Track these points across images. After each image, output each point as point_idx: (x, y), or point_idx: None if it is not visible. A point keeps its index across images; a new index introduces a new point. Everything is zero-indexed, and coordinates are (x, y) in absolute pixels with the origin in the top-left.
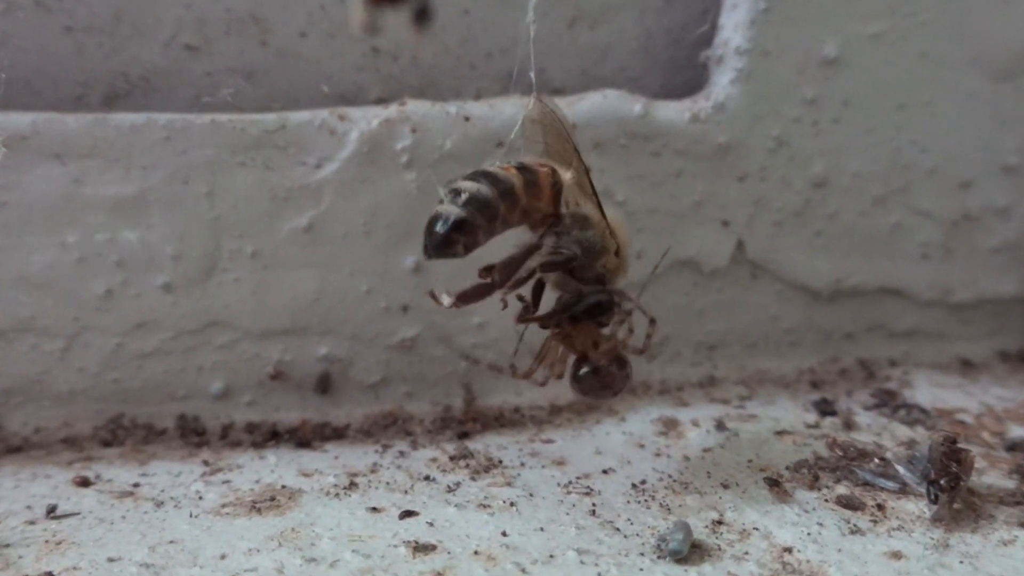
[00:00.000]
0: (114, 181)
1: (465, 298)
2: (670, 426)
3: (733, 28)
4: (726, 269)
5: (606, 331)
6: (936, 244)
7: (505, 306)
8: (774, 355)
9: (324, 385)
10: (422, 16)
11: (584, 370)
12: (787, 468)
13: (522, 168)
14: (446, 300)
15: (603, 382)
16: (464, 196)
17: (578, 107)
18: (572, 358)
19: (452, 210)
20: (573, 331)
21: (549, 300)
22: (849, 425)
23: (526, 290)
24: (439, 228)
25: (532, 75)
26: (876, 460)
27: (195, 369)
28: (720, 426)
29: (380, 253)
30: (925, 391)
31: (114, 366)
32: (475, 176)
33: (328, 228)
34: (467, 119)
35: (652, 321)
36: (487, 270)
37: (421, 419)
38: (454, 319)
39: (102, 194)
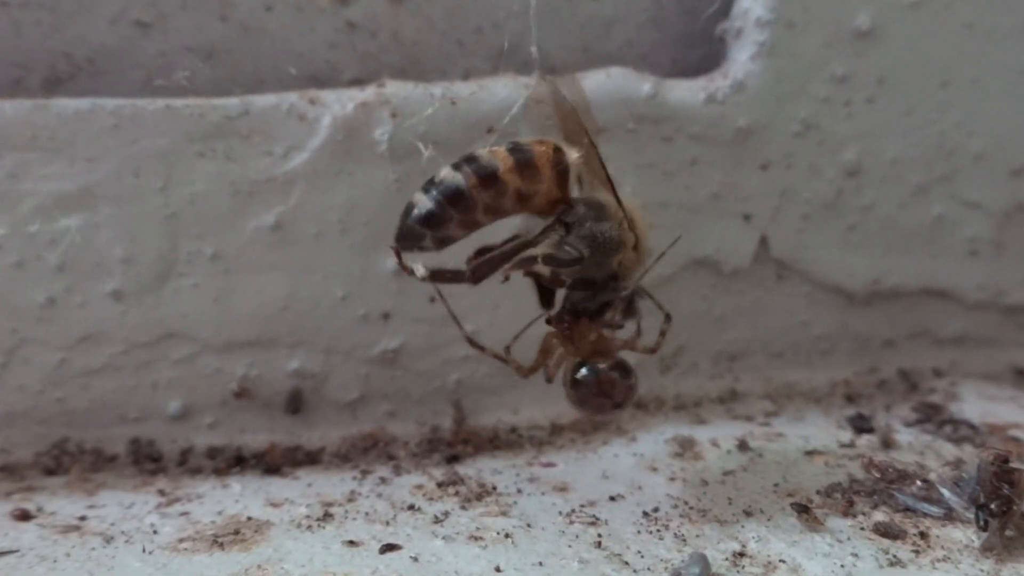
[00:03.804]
0: (56, 175)
1: (438, 277)
2: (686, 446)
3: None
4: (748, 269)
5: (612, 333)
6: (985, 239)
7: (506, 279)
8: (803, 366)
9: (295, 404)
10: None
11: (581, 375)
12: (818, 492)
13: (514, 148)
14: (420, 271)
15: (602, 390)
16: (438, 186)
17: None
18: (569, 362)
19: (422, 201)
20: (574, 329)
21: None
22: (888, 443)
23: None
24: (406, 219)
25: (534, 49)
26: (918, 483)
27: (149, 387)
28: (742, 446)
29: (357, 254)
30: (974, 404)
31: (58, 384)
32: (458, 163)
33: (298, 226)
34: (454, 102)
35: (667, 317)
36: (478, 254)
37: (405, 441)
38: (442, 327)
39: (42, 189)
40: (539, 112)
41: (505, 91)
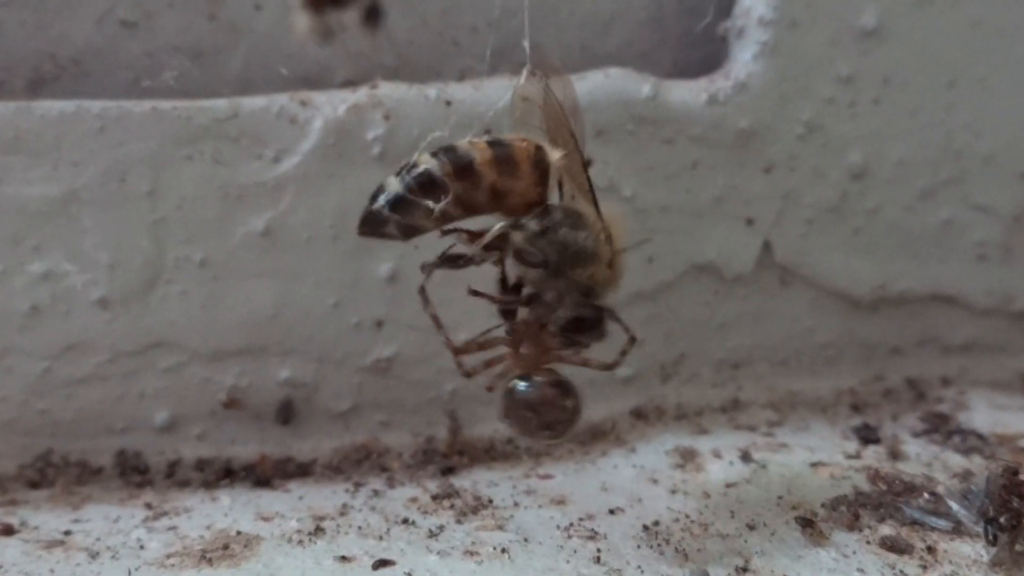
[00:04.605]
0: (40, 179)
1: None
2: (688, 458)
3: None
4: (751, 275)
5: (568, 350)
6: (994, 243)
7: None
8: (808, 374)
9: (286, 414)
10: (372, 15)
11: (513, 384)
12: (823, 506)
13: (494, 142)
14: (464, 238)
15: (532, 406)
16: (411, 171)
17: (577, 88)
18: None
19: (392, 184)
20: (530, 336)
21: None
22: (895, 454)
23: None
24: (373, 203)
25: (526, 44)
26: (926, 495)
27: (136, 397)
28: (745, 457)
29: (350, 260)
30: (983, 414)
31: (42, 394)
32: (435, 151)
33: (289, 232)
34: (449, 103)
35: (632, 339)
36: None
37: (399, 452)
38: (437, 335)
39: (26, 194)
40: (525, 109)
41: (501, 92)
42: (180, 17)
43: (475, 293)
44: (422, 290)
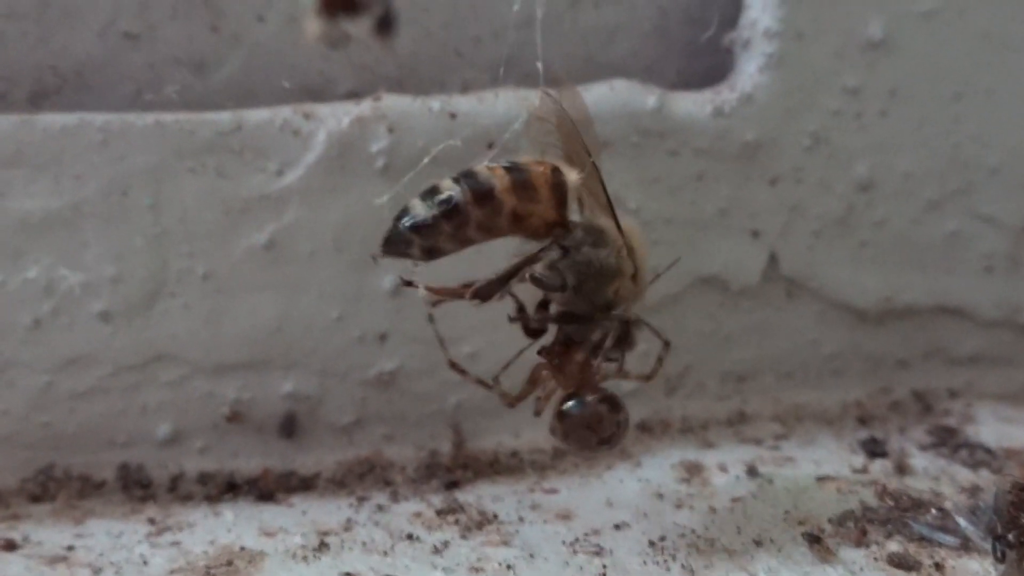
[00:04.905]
0: (42, 193)
1: (440, 293)
2: (693, 472)
3: (761, 7)
4: (757, 287)
5: (604, 364)
6: (1002, 254)
7: (501, 297)
8: (814, 386)
9: (289, 427)
10: (384, 25)
11: (567, 407)
12: (830, 521)
13: (512, 168)
14: (422, 292)
15: (588, 424)
16: (435, 197)
17: None
18: (558, 394)
19: (417, 208)
20: (564, 359)
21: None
22: (902, 469)
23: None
24: (397, 225)
25: (539, 65)
26: (934, 511)
27: (138, 410)
28: (752, 471)
29: (353, 273)
30: (990, 427)
31: (44, 408)
32: (457, 177)
33: (292, 245)
34: (453, 116)
35: (666, 345)
36: (466, 286)
37: (402, 466)
38: (440, 348)
39: (28, 208)
40: (541, 129)
41: (505, 105)
42: (182, 28)
43: (513, 319)
44: (450, 365)
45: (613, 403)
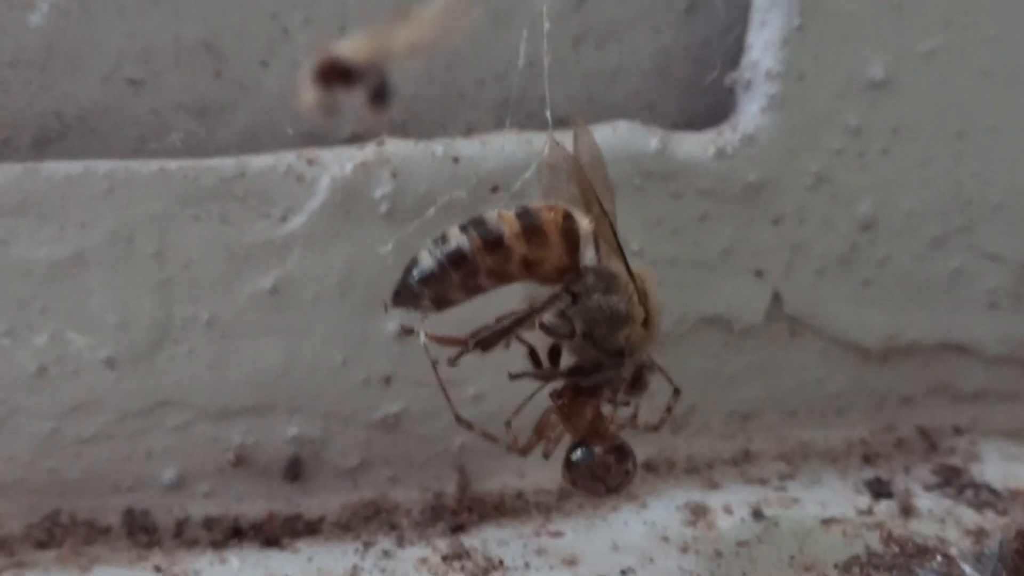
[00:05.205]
0: (47, 241)
1: (441, 341)
2: (699, 514)
3: (763, 48)
4: (761, 326)
5: (614, 410)
6: (1005, 291)
7: (508, 345)
8: (819, 424)
9: (294, 471)
10: (379, 96)
11: (576, 457)
12: (835, 567)
13: (522, 213)
14: (422, 336)
15: (596, 474)
16: (442, 246)
17: None
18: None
19: (425, 259)
20: (573, 405)
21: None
22: (907, 510)
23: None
24: (407, 278)
25: (548, 114)
26: (939, 557)
27: (143, 455)
28: (757, 514)
29: (357, 317)
30: (995, 466)
31: (49, 454)
32: (465, 224)
33: (296, 290)
34: (456, 160)
35: (676, 392)
36: (473, 334)
37: (408, 509)
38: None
39: (33, 256)
40: (552, 174)
41: (509, 148)
42: (186, 75)
43: (514, 377)
44: (456, 419)
45: (621, 452)
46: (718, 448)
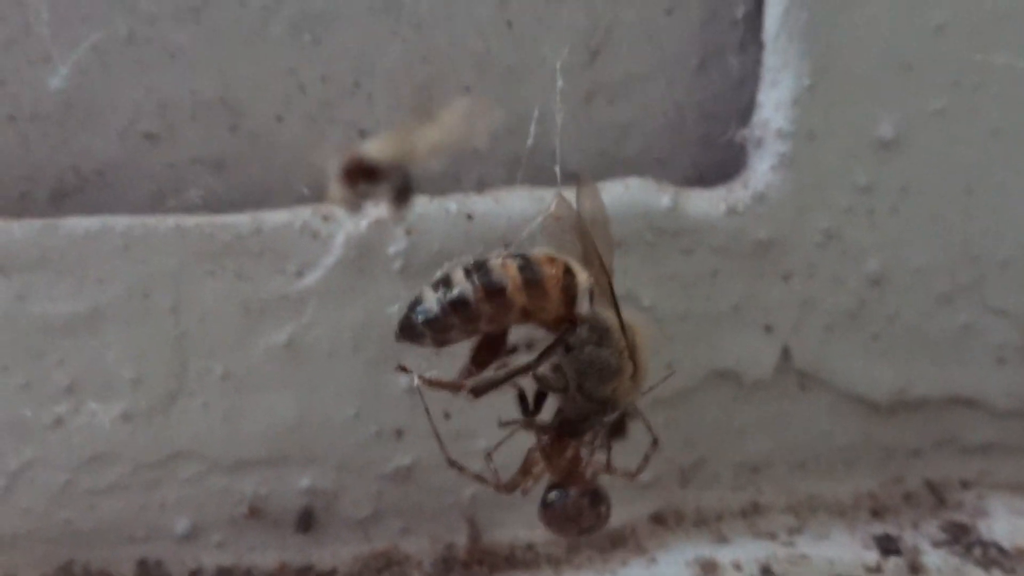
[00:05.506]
0: (65, 296)
1: (435, 385)
2: (708, 569)
3: (773, 107)
4: (770, 380)
5: (592, 455)
6: (1013, 346)
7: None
8: (827, 477)
9: (306, 522)
10: (402, 195)
11: (551, 498)
12: None
13: (523, 266)
14: (415, 379)
15: (569, 516)
16: (446, 292)
17: None
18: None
19: (430, 302)
20: (553, 447)
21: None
22: (916, 568)
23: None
24: (411, 315)
25: (558, 170)
26: None
27: (157, 506)
28: (766, 571)
29: (371, 371)
30: (1003, 522)
31: (64, 504)
32: (469, 270)
33: (310, 344)
34: (469, 217)
35: (654, 442)
36: (468, 373)
37: (419, 560)
38: (455, 443)
39: (51, 311)
40: (556, 226)
41: (521, 204)
42: (202, 129)
43: (504, 424)
44: (448, 462)
45: (595, 496)
46: (727, 500)
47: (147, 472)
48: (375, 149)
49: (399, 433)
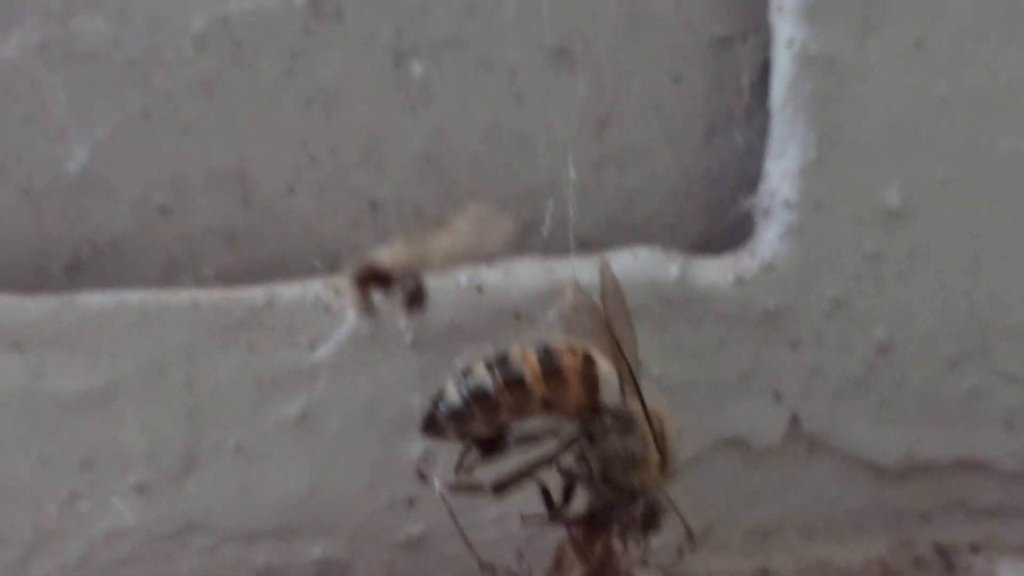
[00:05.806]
0: (80, 372)
1: (458, 490)
2: None
3: (780, 177)
4: (779, 446)
5: (625, 547)
6: (1021, 409)
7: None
8: (836, 541)
9: None
10: (415, 300)
11: None
12: None
13: (544, 357)
14: (438, 484)
15: None
16: (467, 384)
17: None
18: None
19: (451, 394)
20: (585, 539)
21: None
22: None
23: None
24: (433, 410)
25: (571, 236)
26: None
27: None
28: None
29: (383, 442)
30: None
31: None
32: (490, 363)
33: (323, 417)
34: (480, 290)
35: (689, 535)
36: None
37: None
38: (467, 513)
39: (66, 387)
40: (575, 318)
41: (532, 275)
42: (215, 201)
43: (526, 518)
44: (480, 566)
45: None
46: (737, 565)
47: (161, 544)
48: (388, 257)
49: (411, 502)
